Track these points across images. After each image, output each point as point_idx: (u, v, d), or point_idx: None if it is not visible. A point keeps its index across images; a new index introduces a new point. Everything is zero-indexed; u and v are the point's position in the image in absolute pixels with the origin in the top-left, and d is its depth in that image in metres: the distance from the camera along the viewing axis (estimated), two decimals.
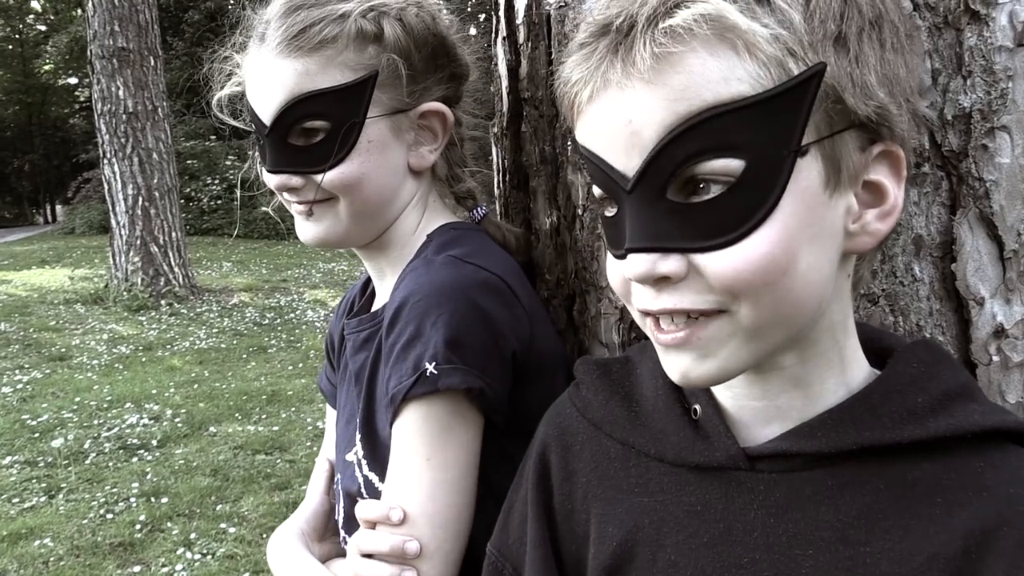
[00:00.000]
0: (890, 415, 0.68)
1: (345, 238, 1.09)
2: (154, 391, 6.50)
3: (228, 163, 20.26)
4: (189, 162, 18.21)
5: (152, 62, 10.15)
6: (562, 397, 0.89)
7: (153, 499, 4.45)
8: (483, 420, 0.97)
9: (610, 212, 0.69)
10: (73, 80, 35.92)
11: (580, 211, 1.02)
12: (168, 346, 8.08)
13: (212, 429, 5.63)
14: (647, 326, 0.70)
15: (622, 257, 0.68)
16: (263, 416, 5.93)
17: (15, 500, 4.46)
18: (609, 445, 0.81)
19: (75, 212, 22.48)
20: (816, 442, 0.69)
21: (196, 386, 6.68)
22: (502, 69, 1.16)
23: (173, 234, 10.22)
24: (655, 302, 0.67)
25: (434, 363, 0.91)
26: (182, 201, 11.91)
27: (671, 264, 0.64)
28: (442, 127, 1.09)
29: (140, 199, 9.97)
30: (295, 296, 11.00)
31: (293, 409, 6.08)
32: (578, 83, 0.68)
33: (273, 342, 8.32)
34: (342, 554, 1.14)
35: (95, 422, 5.75)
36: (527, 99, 1.08)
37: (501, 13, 1.14)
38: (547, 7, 1.04)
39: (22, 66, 36.54)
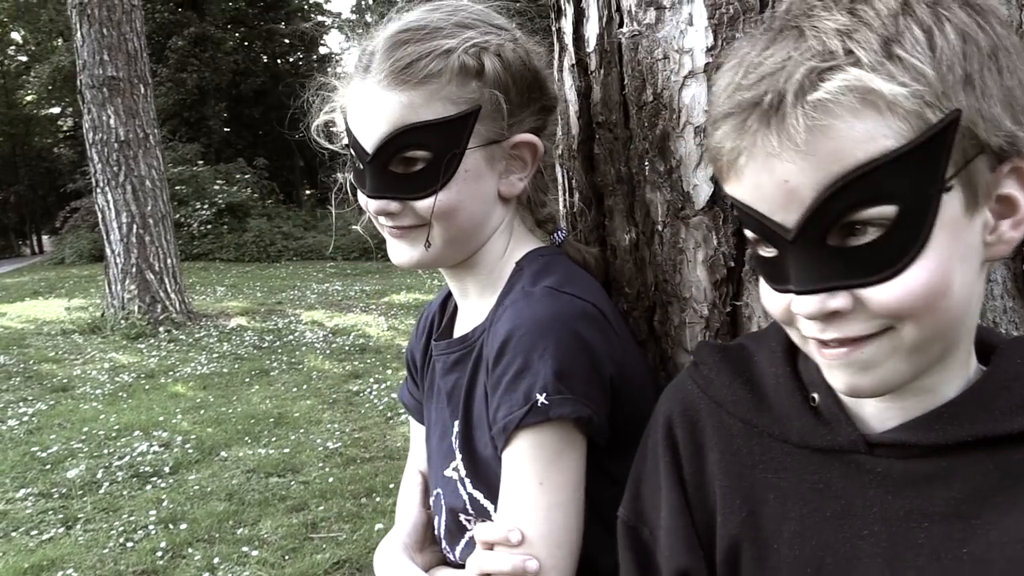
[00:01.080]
0: (1000, 408, 0.75)
1: (437, 261, 1.15)
2: (161, 418, 6.50)
3: (216, 187, 20.28)
4: (178, 188, 18.22)
5: (142, 90, 10.17)
6: (681, 376, 0.95)
7: (171, 526, 4.46)
8: (587, 443, 1.02)
9: (768, 253, 0.76)
10: (56, 109, 35.87)
11: (660, 227, 1.08)
12: (170, 373, 8.08)
13: (223, 454, 5.64)
14: (809, 345, 0.78)
15: (783, 291, 0.76)
16: (272, 439, 5.94)
17: (33, 532, 4.46)
18: (731, 423, 0.87)
19: (64, 242, 22.41)
20: (933, 435, 0.76)
21: (202, 411, 6.69)
22: (570, 95, 1.22)
23: (168, 260, 10.23)
24: (825, 333, 0.74)
25: (544, 394, 0.97)
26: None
27: (839, 301, 0.71)
28: (532, 157, 1.14)
29: (135, 227, 9.97)
30: (292, 318, 11.01)
31: (302, 431, 6.10)
32: (732, 151, 0.74)
33: (275, 365, 8.33)
34: (443, 563, 1.21)
35: (105, 451, 5.75)
36: (601, 123, 1.15)
37: (568, 41, 1.20)
38: (619, 36, 1.10)
39: (4, 97, 36.46)
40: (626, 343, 1.08)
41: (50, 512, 4.72)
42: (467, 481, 1.13)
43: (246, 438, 5.96)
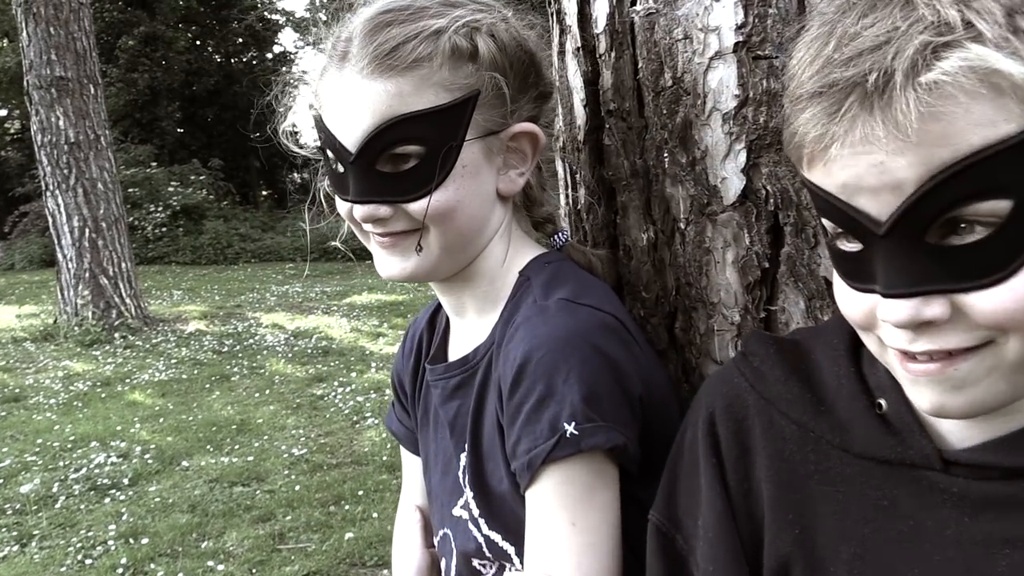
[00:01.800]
0: None
1: (433, 271, 1.03)
2: (119, 427, 6.29)
3: (171, 189, 19.90)
4: (131, 190, 17.82)
5: (92, 90, 9.90)
6: (727, 367, 0.84)
7: (132, 540, 4.29)
8: (619, 473, 0.92)
9: (851, 247, 0.67)
10: (2, 112, 35.00)
11: (682, 225, 0.98)
12: (127, 380, 7.85)
13: (184, 463, 5.46)
14: (889, 355, 0.67)
15: (866, 291, 0.66)
16: (235, 447, 5.77)
17: None
18: (783, 424, 0.78)
19: (14, 247, 21.83)
20: (1020, 457, 0.67)
21: (161, 420, 6.49)
22: (574, 81, 1.12)
23: (123, 264, 9.97)
24: (914, 344, 0.64)
25: (573, 423, 0.87)
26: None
27: (936, 309, 0.62)
28: (533, 148, 1.03)
29: (87, 231, 9.70)
30: (252, 321, 10.78)
31: (265, 438, 5.93)
32: (822, 137, 0.64)
33: (235, 370, 8.13)
34: None
35: (60, 464, 5.54)
36: (612, 111, 1.04)
37: (571, 22, 1.10)
38: (631, 15, 1.00)
39: None
40: (648, 356, 0.98)
41: (3, 529, 4.52)
42: (481, 521, 1.02)
43: (208, 446, 5.78)
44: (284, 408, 6.69)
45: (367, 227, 1.01)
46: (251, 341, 9.51)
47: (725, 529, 0.78)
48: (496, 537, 1.00)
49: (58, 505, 4.82)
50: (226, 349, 9.13)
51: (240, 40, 28.87)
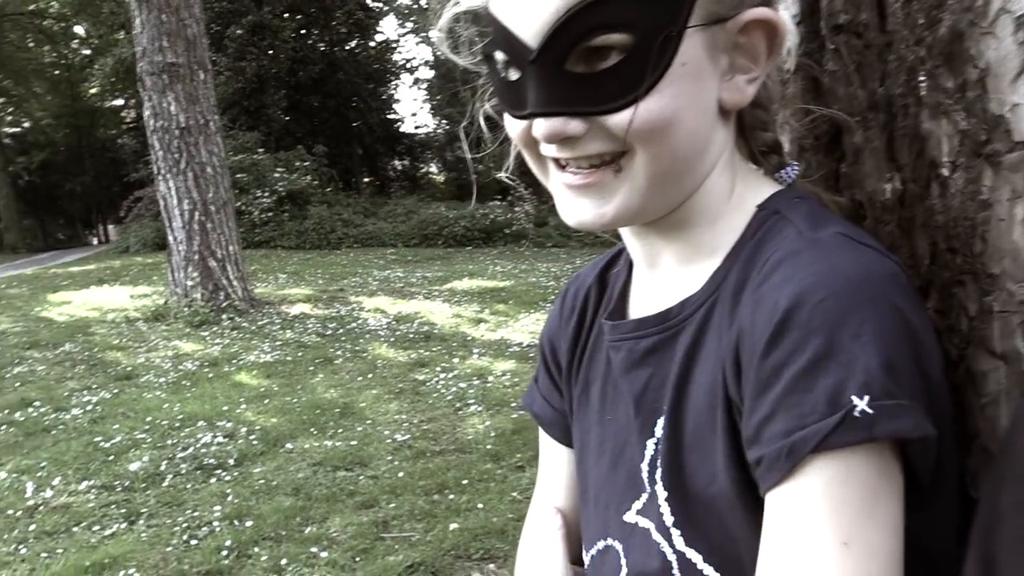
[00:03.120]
0: None
1: (640, 211, 0.76)
2: (225, 408, 6.34)
3: (277, 175, 20.32)
4: (238, 176, 18.24)
5: (202, 76, 10.06)
6: None
7: (236, 522, 4.25)
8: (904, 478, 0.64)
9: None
10: (119, 101, 36.45)
11: (947, 171, 0.72)
12: (233, 361, 7.94)
13: (288, 445, 5.44)
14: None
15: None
16: (338, 430, 5.73)
17: (95, 528, 4.29)
18: None
19: (128, 231, 22.77)
20: None
21: (266, 401, 6.50)
22: None
23: (230, 248, 10.12)
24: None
25: (867, 397, 0.59)
26: None
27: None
28: (768, 45, 0.75)
29: (196, 214, 9.88)
30: (354, 305, 10.83)
31: (368, 422, 5.87)
32: None
33: (338, 353, 8.13)
34: None
35: (168, 442, 5.59)
36: (842, 25, 0.80)
37: None
38: None
39: (70, 90, 37.29)
40: (934, 331, 0.70)
41: (112, 506, 4.55)
42: (675, 533, 0.75)
43: (312, 429, 5.75)
44: (387, 392, 6.62)
45: (549, 151, 0.77)
46: (354, 325, 9.53)
47: None
48: (695, 557, 0.74)
49: (165, 483, 4.84)
50: (329, 332, 9.17)
51: (344, 30, 29.24)
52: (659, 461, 0.78)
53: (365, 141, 30.40)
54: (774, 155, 0.83)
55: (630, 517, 0.81)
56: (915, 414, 0.60)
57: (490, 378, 6.84)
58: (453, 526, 4.04)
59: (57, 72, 38.21)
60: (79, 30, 37.21)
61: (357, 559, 3.80)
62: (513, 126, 0.79)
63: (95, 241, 40.13)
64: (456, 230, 20.04)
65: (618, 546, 0.83)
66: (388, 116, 32.99)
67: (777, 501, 0.63)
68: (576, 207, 0.77)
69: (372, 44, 31.78)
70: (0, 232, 34.20)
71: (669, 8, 0.69)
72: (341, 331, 9.24)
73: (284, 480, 4.81)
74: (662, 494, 0.77)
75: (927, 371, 0.63)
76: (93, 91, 35.89)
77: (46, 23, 35.94)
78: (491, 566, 3.71)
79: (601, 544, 0.86)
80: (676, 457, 0.76)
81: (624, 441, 0.84)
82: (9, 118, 38.86)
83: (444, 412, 6.03)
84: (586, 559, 0.91)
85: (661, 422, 0.78)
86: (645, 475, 0.80)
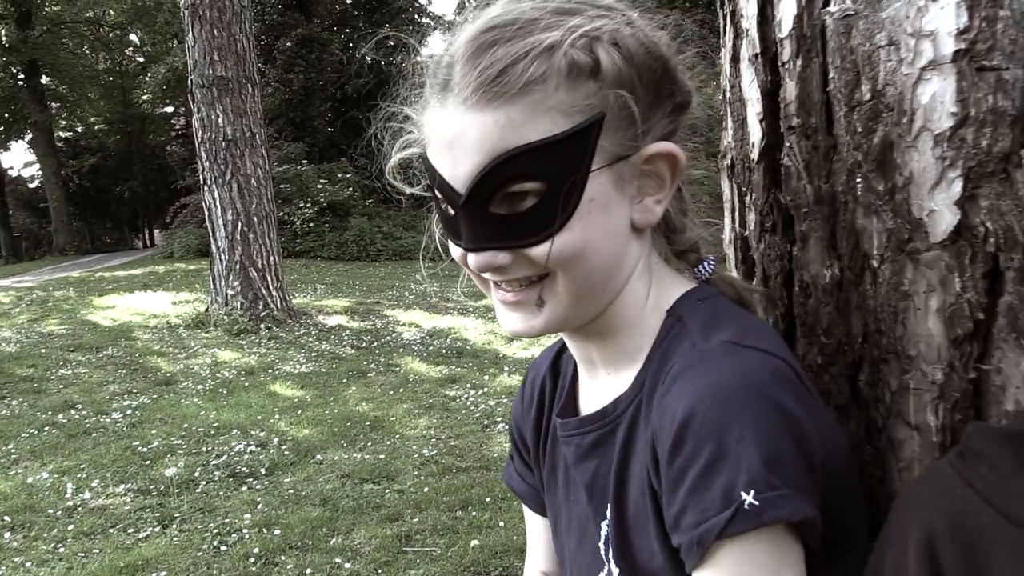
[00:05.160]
0: None
1: (564, 322, 0.89)
2: (259, 417, 6.51)
3: (319, 187, 20.65)
4: (282, 186, 18.59)
5: (250, 90, 10.34)
6: (943, 471, 0.67)
7: (265, 530, 4.39)
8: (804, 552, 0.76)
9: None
10: (170, 109, 37.26)
11: (876, 263, 0.83)
12: (269, 370, 8.13)
13: (319, 456, 5.58)
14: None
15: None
16: (368, 443, 5.86)
17: (130, 530, 4.46)
18: None
19: (173, 237, 23.21)
20: None
21: (300, 412, 6.66)
22: (750, 93, 0.98)
23: (271, 258, 10.36)
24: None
25: (752, 491, 0.71)
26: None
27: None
28: (672, 171, 0.87)
29: (239, 224, 10.13)
30: (390, 318, 11.00)
31: (397, 436, 5.99)
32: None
33: (372, 366, 8.29)
34: None
35: (203, 449, 5.76)
36: (795, 127, 0.90)
37: (749, 25, 0.97)
38: (823, 17, 0.86)
39: (122, 97, 38.21)
40: (825, 412, 0.82)
41: (147, 510, 4.72)
42: None
43: (342, 441, 5.89)
44: (417, 407, 6.75)
45: (486, 276, 0.89)
46: (388, 338, 9.69)
47: None
48: None
49: (199, 490, 5.00)
50: (364, 345, 9.34)
51: (391, 44, 29.63)
52: (611, 541, 0.90)
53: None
54: (692, 253, 0.97)
55: None
56: (795, 501, 0.72)
57: None
58: (474, 543, 4.13)
59: (111, 79, 39.21)
60: (134, 38, 38.16)
61: (379, 571, 3.91)
62: (455, 251, 0.92)
63: (140, 245, 40.97)
64: None
65: None
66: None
67: None
68: (510, 319, 0.90)
69: (419, 59, 32.08)
70: (50, 233, 35.07)
71: (572, 158, 0.81)
72: (376, 344, 9.40)
73: (313, 491, 4.94)
74: (615, 570, 0.89)
75: (810, 455, 0.74)
76: (145, 98, 36.77)
77: (102, 31, 36.90)
78: None
79: None
80: (624, 538, 0.88)
81: (586, 522, 0.96)
82: (63, 123, 39.91)
83: (472, 429, 6.13)
84: None
85: (609, 507, 0.90)
86: (603, 552, 0.92)
